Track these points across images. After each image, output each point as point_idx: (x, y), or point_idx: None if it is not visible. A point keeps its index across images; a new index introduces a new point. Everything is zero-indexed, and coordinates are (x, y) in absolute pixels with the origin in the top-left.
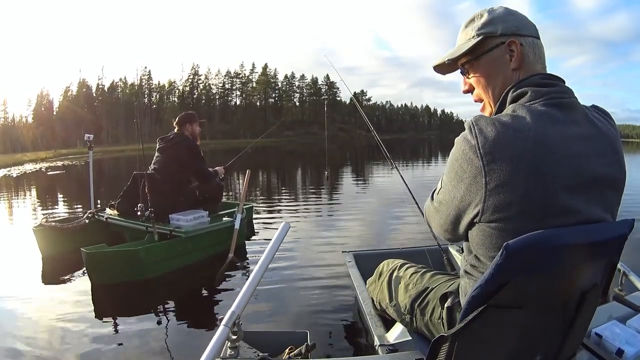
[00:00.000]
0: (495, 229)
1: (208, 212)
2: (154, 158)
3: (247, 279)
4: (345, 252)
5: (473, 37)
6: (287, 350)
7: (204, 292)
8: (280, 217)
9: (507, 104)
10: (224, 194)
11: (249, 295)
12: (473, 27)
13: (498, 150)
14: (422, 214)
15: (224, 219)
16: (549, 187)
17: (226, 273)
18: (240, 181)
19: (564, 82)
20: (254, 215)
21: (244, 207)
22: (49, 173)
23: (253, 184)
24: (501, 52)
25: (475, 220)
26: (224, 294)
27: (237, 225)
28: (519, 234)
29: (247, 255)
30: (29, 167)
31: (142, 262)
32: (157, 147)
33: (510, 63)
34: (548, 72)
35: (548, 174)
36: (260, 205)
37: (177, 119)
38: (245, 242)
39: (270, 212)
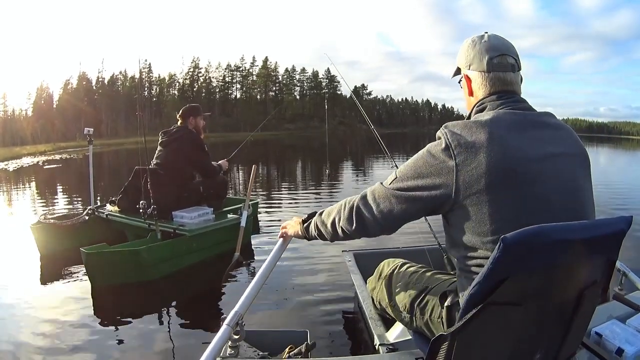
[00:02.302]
0: (471, 206)
1: (213, 209)
2: (157, 152)
3: (252, 279)
4: (346, 251)
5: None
6: (287, 350)
7: (209, 293)
8: (281, 213)
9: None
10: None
11: (254, 295)
12: None
13: (463, 136)
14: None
15: (229, 215)
16: (510, 157)
17: (232, 273)
18: (241, 175)
19: (519, 95)
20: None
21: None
22: (45, 167)
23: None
24: (464, 80)
25: (451, 202)
26: (230, 294)
27: (243, 223)
28: (493, 207)
29: (254, 254)
30: (27, 161)
31: (145, 262)
32: (160, 140)
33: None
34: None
35: (507, 148)
36: (261, 200)
37: (180, 112)
38: (251, 239)
39: (270, 207)
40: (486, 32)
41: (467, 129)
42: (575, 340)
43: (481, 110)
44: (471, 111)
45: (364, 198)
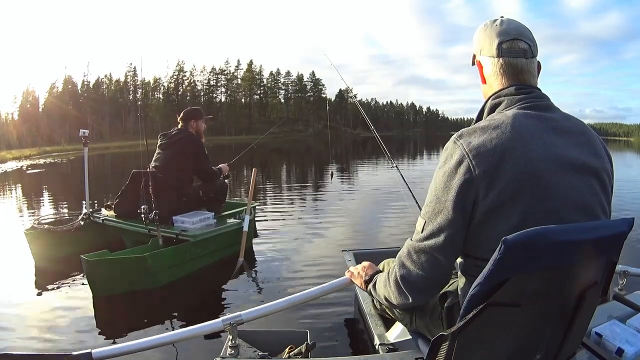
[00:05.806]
0: (489, 221)
1: (213, 213)
2: (155, 155)
3: (275, 296)
4: (346, 251)
5: None
6: (287, 350)
7: (215, 301)
8: (279, 216)
9: (486, 113)
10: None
11: (267, 313)
12: None
13: (482, 146)
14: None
15: (229, 220)
16: (531, 170)
17: (237, 278)
18: (235, 179)
19: (539, 89)
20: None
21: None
22: (28, 172)
23: (243, 182)
24: (477, 67)
25: (472, 220)
26: (236, 301)
27: (245, 227)
28: (511, 223)
29: (257, 259)
30: (11, 165)
31: (149, 270)
32: (159, 143)
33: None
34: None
35: (528, 159)
36: (258, 203)
37: (181, 114)
38: (253, 244)
39: (267, 211)
40: (502, 16)
41: (485, 135)
42: (575, 341)
43: (497, 105)
44: (485, 103)
45: (403, 267)
